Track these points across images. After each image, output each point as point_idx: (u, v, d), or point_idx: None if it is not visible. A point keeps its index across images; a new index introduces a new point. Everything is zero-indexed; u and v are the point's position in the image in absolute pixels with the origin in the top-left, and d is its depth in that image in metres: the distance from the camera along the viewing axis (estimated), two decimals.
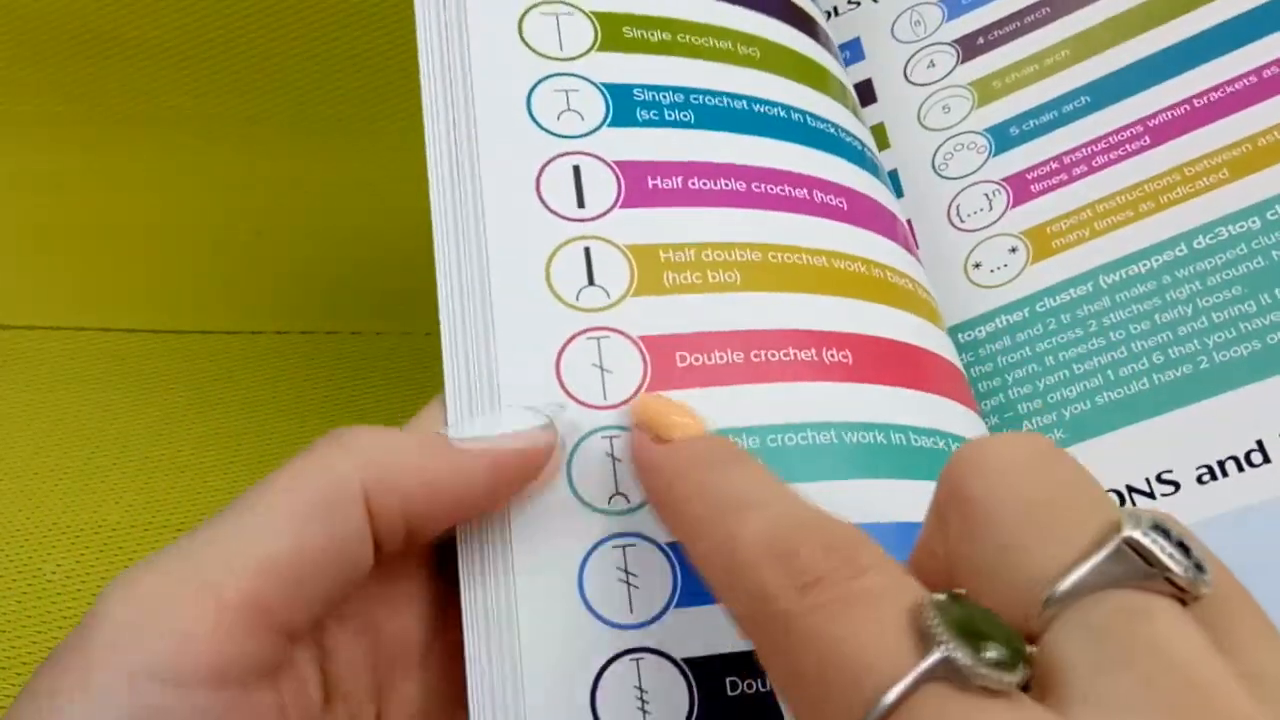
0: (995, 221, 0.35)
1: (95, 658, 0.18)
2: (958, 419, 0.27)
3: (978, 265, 0.34)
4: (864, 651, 0.16)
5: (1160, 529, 0.16)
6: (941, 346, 0.29)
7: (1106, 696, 0.15)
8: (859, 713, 0.15)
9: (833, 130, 0.31)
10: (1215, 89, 0.33)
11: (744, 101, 0.29)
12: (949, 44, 0.39)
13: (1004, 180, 0.35)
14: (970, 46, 0.39)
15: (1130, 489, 0.29)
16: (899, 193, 0.37)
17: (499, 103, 0.27)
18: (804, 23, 0.33)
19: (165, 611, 0.19)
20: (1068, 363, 0.31)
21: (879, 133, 0.38)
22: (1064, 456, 0.18)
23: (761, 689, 0.22)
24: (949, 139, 0.37)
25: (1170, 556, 0.16)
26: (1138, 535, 0.16)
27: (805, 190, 0.28)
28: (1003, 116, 0.37)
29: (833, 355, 0.26)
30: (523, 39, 0.28)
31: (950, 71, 0.39)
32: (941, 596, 0.16)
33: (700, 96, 0.29)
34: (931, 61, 0.39)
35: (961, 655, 0.15)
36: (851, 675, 0.16)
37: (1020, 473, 0.17)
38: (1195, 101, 0.33)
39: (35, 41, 0.44)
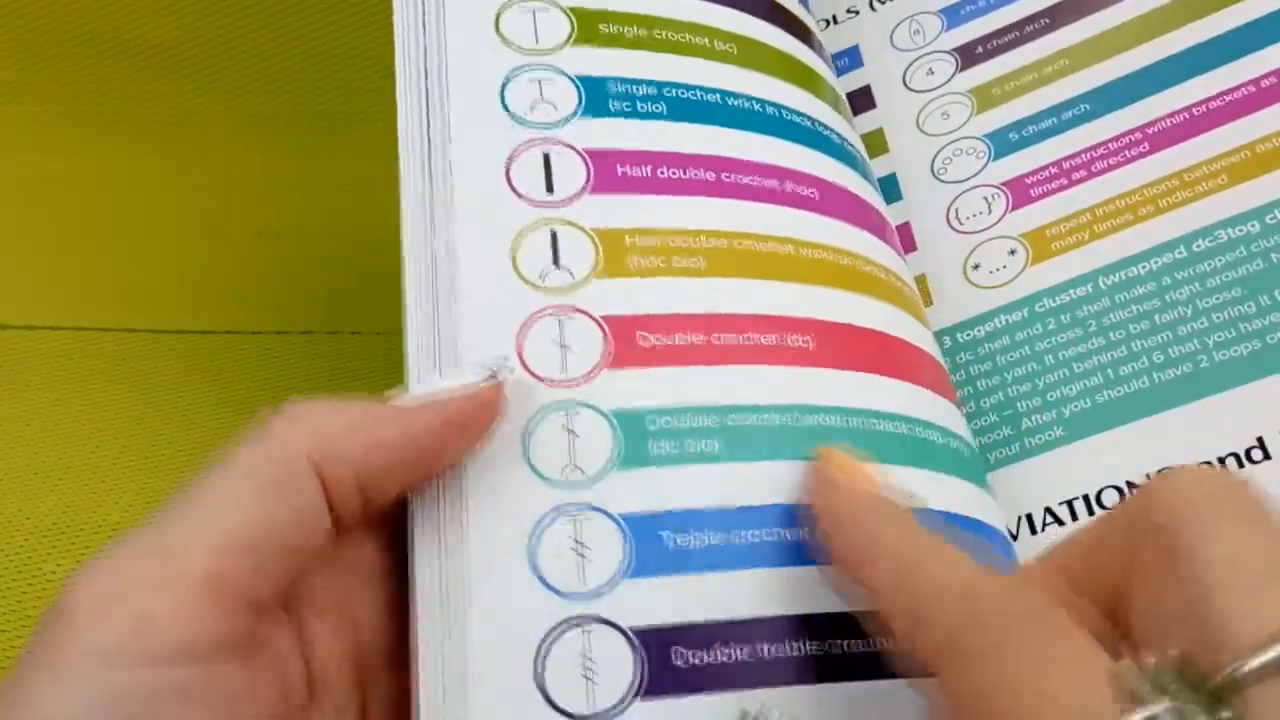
0: (994, 224, 0.35)
1: (62, 642, 0.19)
2: (925, 405, 0.28)
3: (976, 266, 0.35)
4: (1070, 692, 0.16)
5: None
6: (915, 335, 0.30)
7: None
8: None
9: (809, 124, 0.32)
10: (1215, 98, 0.34)
11: (718, 95, 0.30)
12: (948, 52, 0.40)
13: (1003, 184, 0.36)
14: (969, 55, 0.39)
15: (1130, 485, 0.30)
16: (897, 196, 0.37)
17: (473, 92, 0.28)
18: (787, 21, 0.34)
19: (128, 593, 0.19)
20: (1067, 362, 0.32)
21: (877, 138, 0.39)
22: (1268, 506, 0.18)
23: (706, 661, 0.23)
24: (948, 144, 0.38)
25: None
26: None
27: (776, 180, 0.29)
28: (1002, 122, 0.37)
29: (795, 340, 0.27)
30: (499, 32, 0.29)
31: (949, 79, 0.39)
32: (1150, 662, 0.16)
33: (674, 90, 0.30)
34: (930, 69, 0.40)
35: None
36: (1055, 707, 0.16)
37: (1233, 522, 0.17)
38: (1195, 110, 0.34)
39: (35, 42, 0.44)
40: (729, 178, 0.29)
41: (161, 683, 0.19)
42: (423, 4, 0.29)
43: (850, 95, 0.41)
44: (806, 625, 0.23)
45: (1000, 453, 0.32)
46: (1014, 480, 0.31)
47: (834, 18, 0.43)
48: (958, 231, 0.36)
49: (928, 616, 0.19)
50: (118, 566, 0.20)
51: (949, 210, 0.36)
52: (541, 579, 0.23)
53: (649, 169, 0.28)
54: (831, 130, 0.32)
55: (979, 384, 0.33)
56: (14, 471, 0.37)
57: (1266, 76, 0.34)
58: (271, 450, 0.21)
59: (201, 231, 0.45)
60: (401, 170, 0.27)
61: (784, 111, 0.31)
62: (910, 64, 0.40)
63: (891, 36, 0.41)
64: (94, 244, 0.44)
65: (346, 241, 0.46)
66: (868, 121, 0.40)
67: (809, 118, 0.32)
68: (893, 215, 0.37)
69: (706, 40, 0.31)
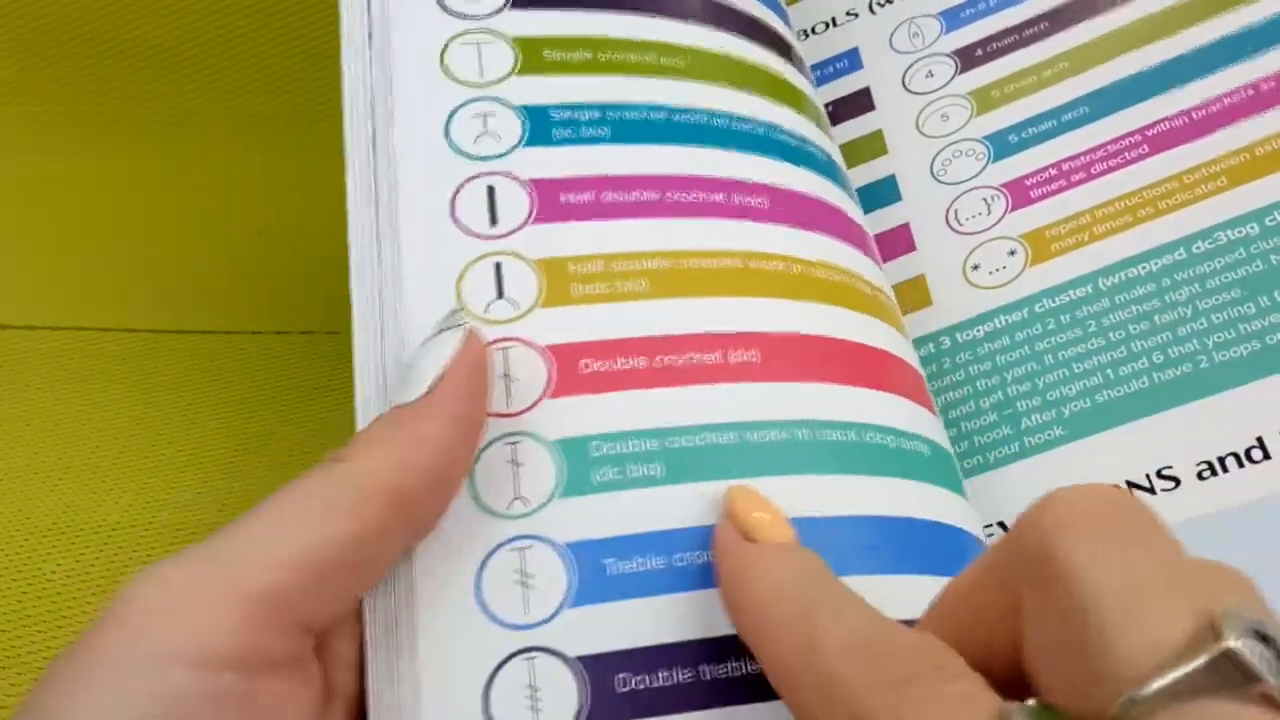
0: (994, 225, 0.36)
1: (119, 641, 0.19)
2: (880, 409, 0.28)
3: (976, 267, 0.35)
4: None
5: (1260, 635, 0.15)
6: (876, 337, 0.30)
7: None
8: None
9: (762, 130, 0.31)
10: (1214, 101, 0.34)
11: (664, 112, 0.30)
12: (947, 55, 0.40)
13: (1002, 186, 0.36)
14: (969, 58, 0.40)
15: (1130, 484, 0.30)
16: (896, 197, 0.38)
17: (418, 129, 0.28)
18: (748, 27, 0.34)
19: (190, 602, 0.20)
20: (1067, 361, 0.32)
21: (876, 139, 0.39)
22: (1158, 522, 0.17)
23: (649, 685, 0.23)
24: (947, 145, 0.38)
25: (1270, 669, 0.15)
26: (1238, 647, 0.15)
27: (723, 194, 0.29)
28: (1001, 125, 0.38)
29: (739, 356, 0.27)
30: (444, 68, 0.29)
31: (949, 81, 0.40)
32: (1030, 704, 0.16)
33: (619, 111, 0.30)
34: (930, 71, 0.40)
35: None
36: None
37: (1115, 544, 0.17)
38: (1194, 114, 0.35)
39: (35, 42, 0.44)
40: (673, 196, 0.29)
41: (212, 688, 0.19)
42: (369, 43, 0.29)
43: (849, 97, 0.41)
44: None
45: (1000, 452, 0.32)
46: (1013, 479, 0.31)
47: (833, 20, 0.43)
48: (957, 232, 0.36)
49: (812, 680, 0.19)
50: (179, 574, 0.20)
51: (948, 211, 0.37)
52: (487, 611, 0.23)
53: (592, 194, 0.28)
54: (790, 134, 0.32)
55: (978, 384, 0.33)
56: (14, 471, 0.37)
57: (1266, 81, 0.34)
58: (344, 472, 0.22)
59: (201, 231, 0.45)
60: (349, 209, 0.27)
61: (733, 121, 0.31)
62: (909, 66, 0.41)
63: (890, 39, 0.42)
64: (94, 244, 0.44)
65: (346, 241, 0.46)
66: (867, 123, 0.40)
67: (763, 124, 0.32)
68: (892, 216, 0.37)
69: (654, 57, 0.31)
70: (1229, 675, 0.15)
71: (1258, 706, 0.15)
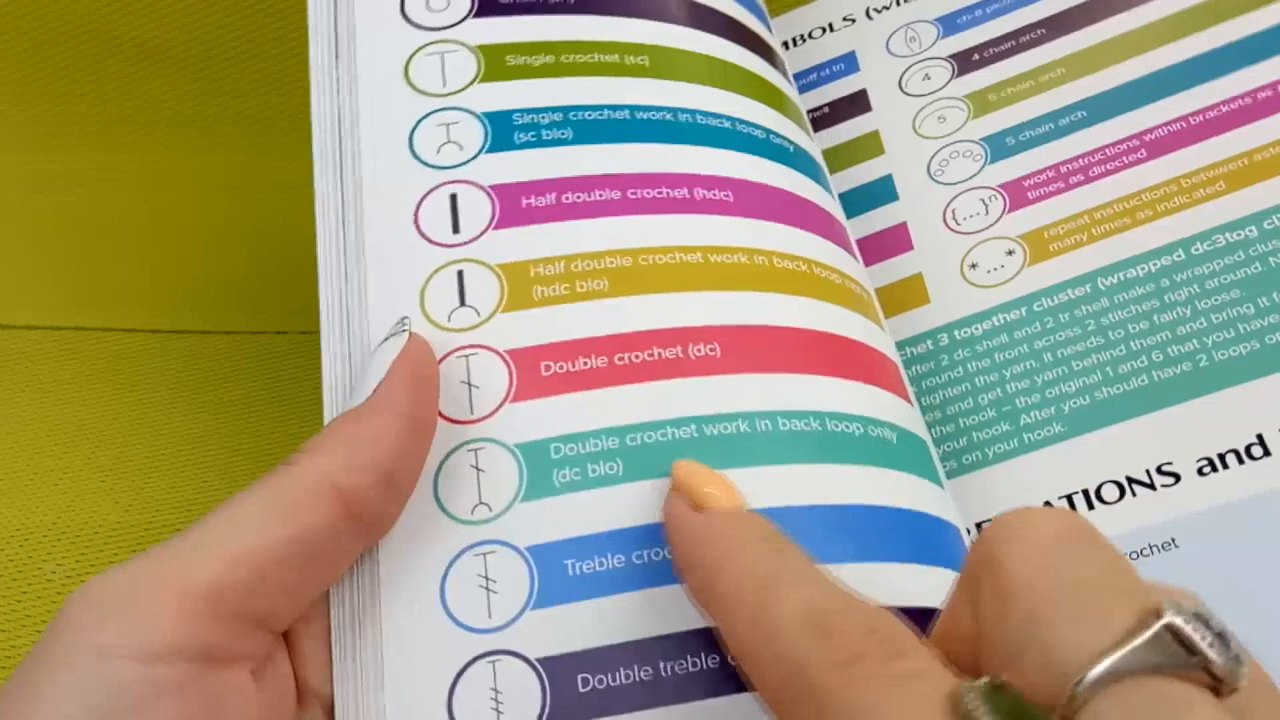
0: (992, 225, 0.36)
1: (66, 637, 0.20)
2: (845, 396, 0.28)
3: (974, 266, 0.35)
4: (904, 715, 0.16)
5: (1200, 617, 0.16)
6: (847, 326, 0.29)
7: None
8: None
9: (726, 124, 0.32)
10: (1212, 108, 0.35)
11: (626, 111, 0.30)
12: (944, 59, 0.41)
13: (1000, 187, 0.37)
14: (965, 62, 0.40)
15: (1130, 480, 0.30)
16: (893, 196, 0.38)
17: (383, 141, 0.29)
18: (711, 22, 0.34)
19: (133, 599, 0.21)
20: (1066, 359, 0.32)
21: (873, 139, 0.40)
22: (1102, 538, 0.18)
23: (610, 683, 0.23)
24: (944, 146, 0.38)
25: (1211, 646, 0.16)
26: (1179, 622, 0.16)
27: (685, 190, 0.29)
28: (998, 127, 0.38)
29: (699, 350, 0.27)
30: (408, 80, 0.30)
31: (945, 84, 0.40)
32: (982, 682, 0.16)
33: (580, 113, 0.30)
34: (927, 74, 0.40)
35: None
36: None
37: (1059, 549, 0.17)
38: (1192, 119, 0.35)
39: (36, 42, 0.44)
40: (635, 194, 0.29)
41: (154, 678, 0.20)
42: (335, 56, 0.30)
43: (846, 99, 0.41)
44: (707, 639, 0.24)
45: (999, 447, 0.32)
46: (1012, 475, 0.31)
47: (830, 26, 0.43)
48: (955, 232, 0.36)
49: (766, 654, 0.19)
50: (124, 574, 0.21)
51: (946, 211, 0.37)
52: (451, 616, 0.24)
53: (554, 196, 0.28)
54: (755, 126, 0.32)
55: (977, 380, 0.33)
56: (14, 472, 0.37)
57: (1262, 90, 0.35)
58: (291, 474, 0.23)
59: (201, 231, 0.45)
60: (317, 220, 0.28)
61: (698, 116, 0.31)
62: (906, 69, 0.41)
63: (888, 43, 0.42)
64: (94, 244, 0.44)
65: None
66: (863, 124, 0.40)
67: (727, 117, 0.32)
68: (889, 215, 0.38)
69: (617, 57, 0.31)
70: (1173, 652, 0.15)
71: (1202, 683, 0.15)
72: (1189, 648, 0.15)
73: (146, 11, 0.44)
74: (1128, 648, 0.15)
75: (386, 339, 0.25)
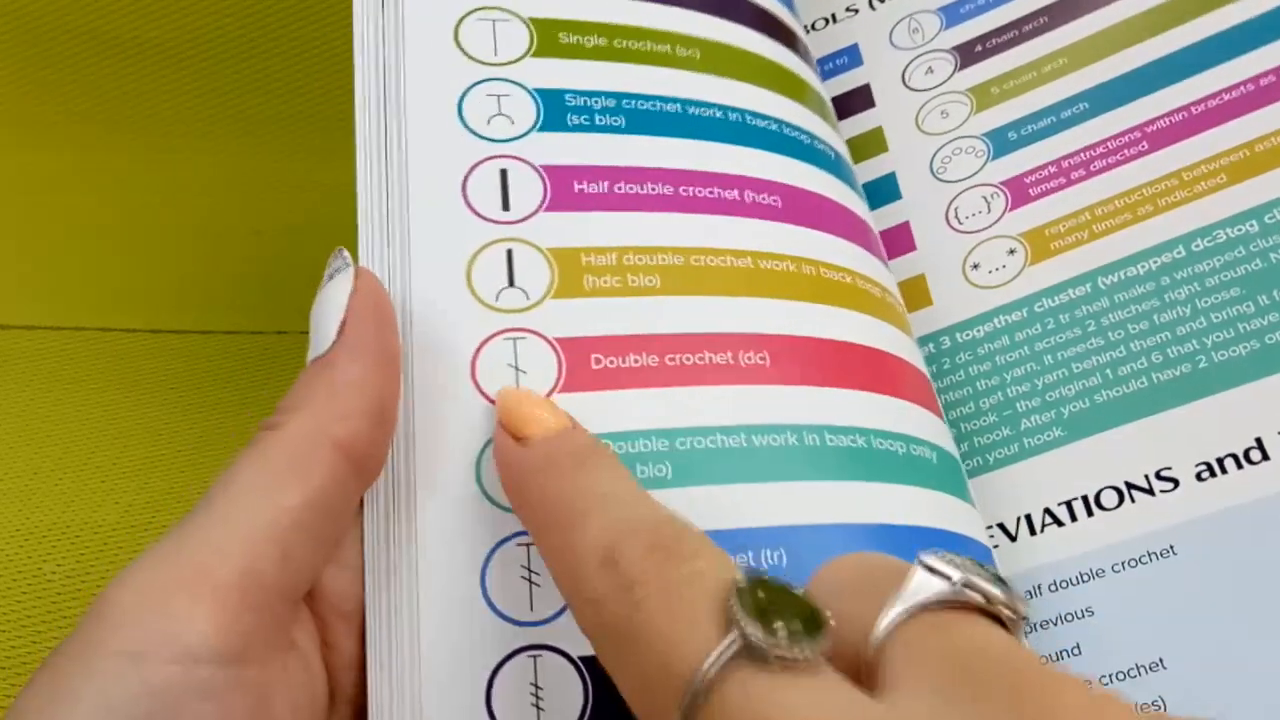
0: (994, 224, 0.35)
1: (99, 642, 0.19)
2: (889, 414, 0.28)
3: (976, 266, 0.35)
4: (677, 643, 0.16)
5: (950, 561, 0.17)
6: (885, 341, 0.29)
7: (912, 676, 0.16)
8: (675, 704, 0.16)
9: (775, 127, 0.31)
10: (1213, 96, 0.34)
11: (678, 104, 0.30)
12: (947, 51, 0.40)
13: (1002, 183, 0.36)
14: (968, 53, 0.39)
15: (1129, 485, 0.30)
16: (896, 195, 0.37)
17: (430, 106, 0.28)
18: (758, 20, 0.34)
19: (164, 597, 0.20)
20: (1066, 361, 0.32)
21: (876, 136, 0.39)
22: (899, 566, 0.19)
23: None
24: (947, 143, 0.38)
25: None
26: (930, 560, 0.17)
27: (736, 191, 0.29)
28: (1001, 121, 0.37)
29: (749, 358, 0.26)
30: (458, 44, 0.29)
31: (948, 78, 0.39)
32: (743, 580, 0.17)
33: (633, 101, 0.29)
34: (930, 68, 0.40)
35: (755, 632, 0.16)
36: (665, 666, 0.16)
37: (854, 562, 0.19)
38: (1194, 109, 0.34)
39: (36, 42, 0.44)
40: (687, 191, 0.28)
41: (190, 681, 0.19)
42: (382, 14, 0.28)
43: (849, 94, 0.40)
44: None
45: (999, 453, 0.32)
46: (1013, 480, 0.31)
47: (833, 16, 0.43)
48: (957, 231, 0.36)
49: (575, 599, 0.19)
50: (150, 576, 0.20)
51: (948, 209, 0.36)
52: (492, 606, 0.23)
53: (606, 184, 0.28)
54: (801, 131, 0.32)
55: (978, 384, 0.33)
56: (14, 472, 0.38)
57: (1265, 75, 0.34)
58: (281, 439, 0.22)
59: (201, 232, 0.45)
60: (359, 186, 0.27)
61: (748, 116, 0.31)
62: (909, 63, 0.40)
63: (890, 35, 0.41)
64: (94, 244, 0.44)
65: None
66: (867, 120, 0.40)
67: (775, 120, 0.31)
68: (892, 214, 0.37)
69: (669, 47, 0.31)
70: (938, 591, 0.17)
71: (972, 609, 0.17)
72: (939, 574, 0.17)
73: (146, 11, 0.44)
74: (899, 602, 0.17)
75: (331, 277, 0.24)
